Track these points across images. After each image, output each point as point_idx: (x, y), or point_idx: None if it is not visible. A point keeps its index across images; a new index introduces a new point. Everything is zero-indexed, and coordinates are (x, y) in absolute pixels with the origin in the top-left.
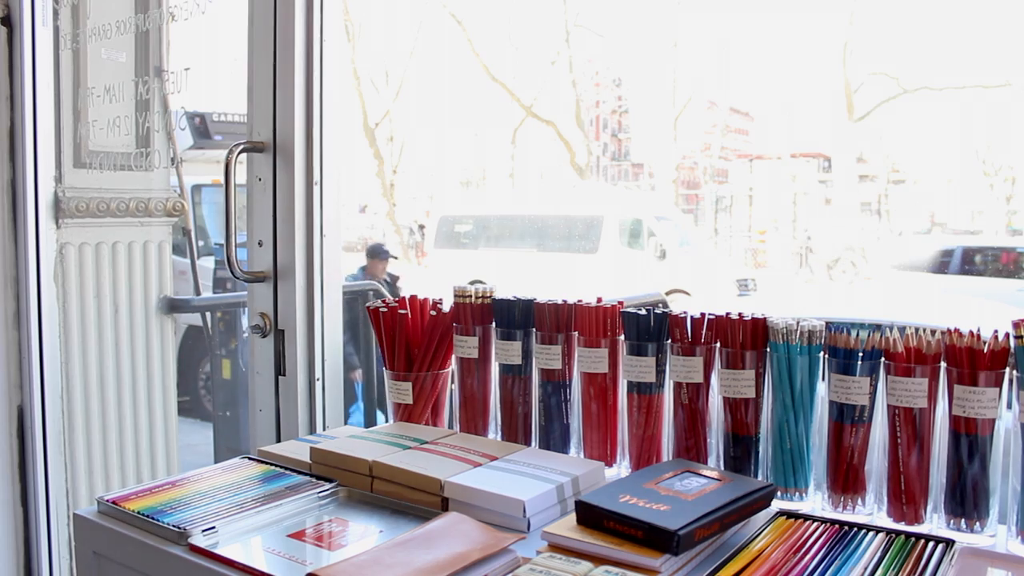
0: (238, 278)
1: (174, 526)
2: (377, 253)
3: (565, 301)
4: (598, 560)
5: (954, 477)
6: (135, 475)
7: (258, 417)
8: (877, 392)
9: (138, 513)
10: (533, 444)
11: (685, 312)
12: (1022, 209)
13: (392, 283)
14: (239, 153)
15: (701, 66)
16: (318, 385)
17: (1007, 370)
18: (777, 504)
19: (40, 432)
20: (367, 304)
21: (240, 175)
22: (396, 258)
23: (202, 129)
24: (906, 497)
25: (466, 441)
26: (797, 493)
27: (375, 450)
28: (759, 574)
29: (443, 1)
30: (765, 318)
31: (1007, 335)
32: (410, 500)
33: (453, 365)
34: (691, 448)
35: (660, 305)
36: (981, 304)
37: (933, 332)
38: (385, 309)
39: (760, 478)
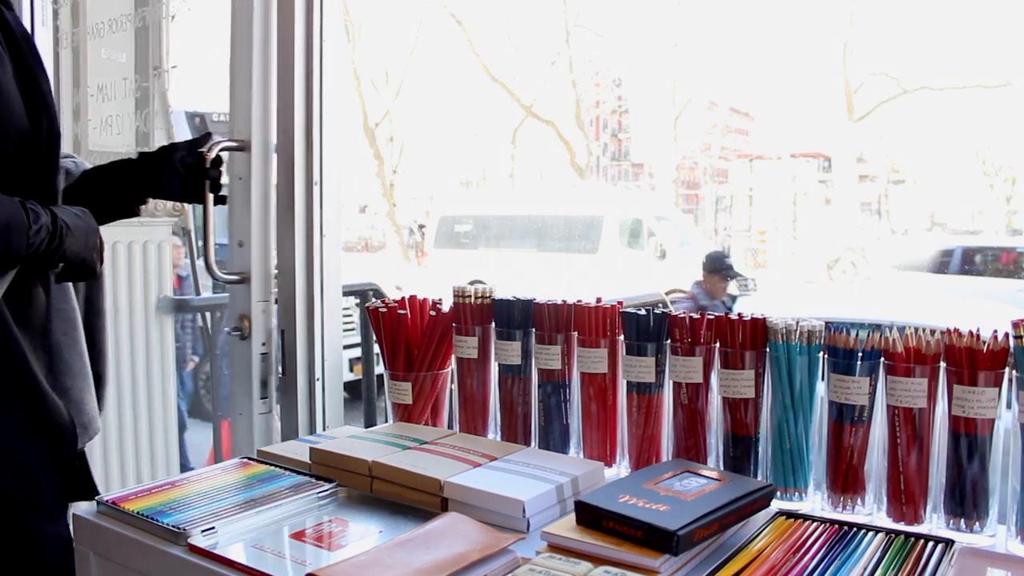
0: (217, 280)
1: (174, 526)
2: (720, 267)
3: (564, 301)
4: (598, 560)
5: (954, 477)
6: (135, 475)
7: (239, 421)
8: (877, 392)
9: (138, 513)
10: (533, 444)
11: (685, 312)
12: (1022, 209)
13: (729, 306)
14: (219, 152)
15: (701, 66)
16: (318, 385)
17: (1007, 370)
18: (777, 504)
19: None
20: (367, 304)
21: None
22: (740, 275)
23: (202, 129)
24: (906, 497)
25: (466, 441)
26: (796, 493)
27: (375, 450)
28: (759, 574)
29: (443, 1)
30: (765, 318)
31: (1007, 335)
32: (410, 500)
33: (453, 365)
34: (691, 448)
35: (660, 305)
36: (981, 304)
37: (933, 332)
38: (385, 309)
39: (760, 478)
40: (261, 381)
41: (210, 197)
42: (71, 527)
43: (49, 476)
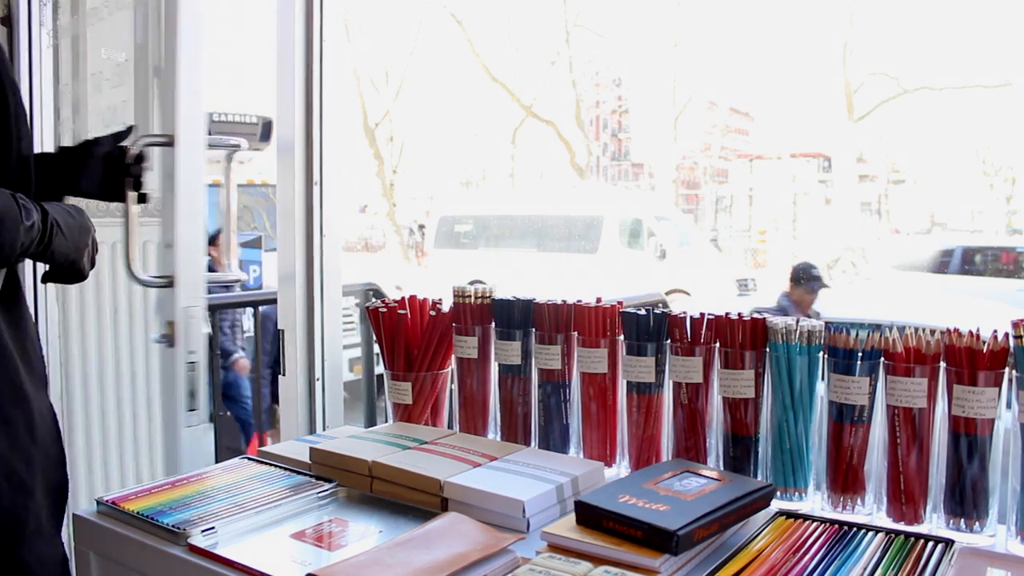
0: (138, 282)
1: (173, 526)
2: (807, 278)
3: (564, 301)
4: (597, 560)
5: (953, 477)
6: (135, 475)
7: (167, 436)
8: (876, 392)
9: (138, 513)
10: (533, 444)
11: (685, 312)
12: (1022, 209)
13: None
14: (144, 147)
15: (701, 66)
16: (318, 385)
17: (1006, 370)
18: (776, 504)
19: None
20: (367, 304)
21: (241, 174)
22: (828, 287)
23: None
24: (905, 497)
25: (465, 441)
26: (796, 493)
27: (375, 450)
28: (758, 574)
29: (443, 1)
30: (765, 318)
31: (1007, 335)
32: (410, 500)
33: (453, 365)
34: (690, 448)
35: (660, 305)
36: (981, 304)
37: (933, 332)
38: (385, 309)
39: (759, 478)
40: (188, 392)
41: (132, 196)
42: (65, 546)
43: (45, 494)
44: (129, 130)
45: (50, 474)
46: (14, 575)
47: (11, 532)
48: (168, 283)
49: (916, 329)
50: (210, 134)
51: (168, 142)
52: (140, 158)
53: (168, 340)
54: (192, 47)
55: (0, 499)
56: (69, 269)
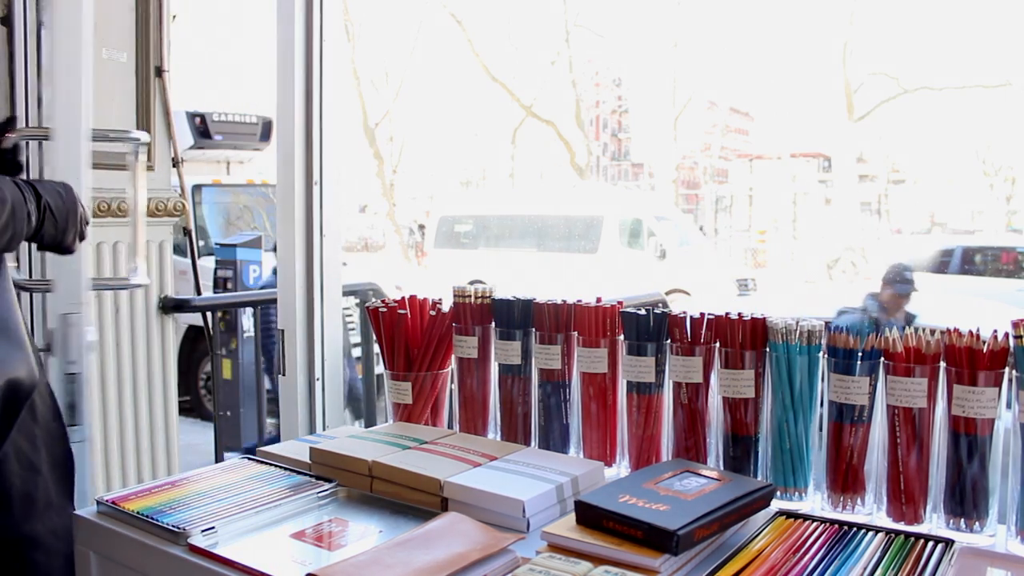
0: (17, 287)
1: (174, 526)
2: (901, 280)
3: (564, 301)
4: (598, 560)
5: (953, 477)
6: (135, 475)
7: (82, 453)
8: (876, 392)
9: (137, 513)
10: (533, 444)
11: (685, 312)
12: (1022, 209)
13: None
14: (20, 140)
15: (701, 66)
16: (318, 385)
17: (1006, 370)
18: (776, 504)
19: None
20: (367, 304)
21: (241, 174)
22: (918, 290)
23: (202, 129)
24: (905, 497)
25: (465, 441)
26: (796, 493)
27: (375, 450)
28: (758, 574)
29: (443, 1)
30: (765, 318)
31: (1007, 335)
32: (410, 500)
33: (453, 365)
34: (690, 448)
35: (660, 305)
36: (981, 304)
37: (933, 332)
38: (385, 309)
39: (760, 478)
40: (67, 405)
41: None
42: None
43: (51, 468)
44: (8, 122)
45: (54, 449)
46: (29, 547)
47: (24, 508)
48: (47, 288)
49: (916, 329)
50: (210, 135)
51: (44, 136)
52: (14, 152)
53: (50, 349)
54: (70, 32)
55: (12, 479)
56: (56, 248)
